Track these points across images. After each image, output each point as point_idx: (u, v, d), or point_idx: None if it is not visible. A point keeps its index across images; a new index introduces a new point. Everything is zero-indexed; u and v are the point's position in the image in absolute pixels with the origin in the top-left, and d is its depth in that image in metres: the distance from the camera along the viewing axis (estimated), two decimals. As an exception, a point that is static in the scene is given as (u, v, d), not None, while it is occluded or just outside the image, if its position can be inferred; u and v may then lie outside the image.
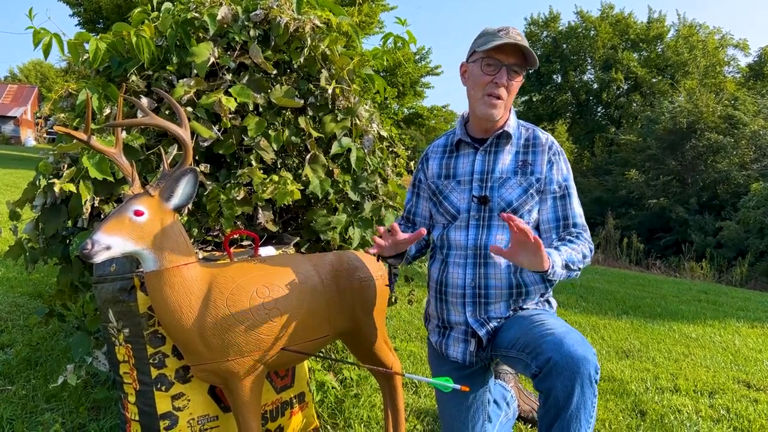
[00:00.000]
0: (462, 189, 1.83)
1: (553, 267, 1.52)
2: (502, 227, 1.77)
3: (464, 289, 1.78)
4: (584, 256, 1.68)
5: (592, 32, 29.64)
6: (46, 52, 2.13)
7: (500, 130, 1.80)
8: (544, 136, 1.82)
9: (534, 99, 32.08)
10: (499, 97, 1.74)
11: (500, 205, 1.76)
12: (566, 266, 1.59)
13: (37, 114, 36.80)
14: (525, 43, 1.70)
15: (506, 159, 1.80)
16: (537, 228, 1.80)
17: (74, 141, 2.06)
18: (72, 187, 1.93)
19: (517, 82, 1.75)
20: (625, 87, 28.93)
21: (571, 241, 1.69)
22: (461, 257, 1.80)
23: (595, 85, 30.08)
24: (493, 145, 1.82)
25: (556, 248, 1.62)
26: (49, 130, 2.24)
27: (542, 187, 1.78)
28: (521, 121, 1.88)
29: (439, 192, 1.89)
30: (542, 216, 1.79)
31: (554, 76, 31.49)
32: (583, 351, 1.44)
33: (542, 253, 1.45)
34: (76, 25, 20.37)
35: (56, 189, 1.93)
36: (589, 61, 30.27)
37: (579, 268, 1.65)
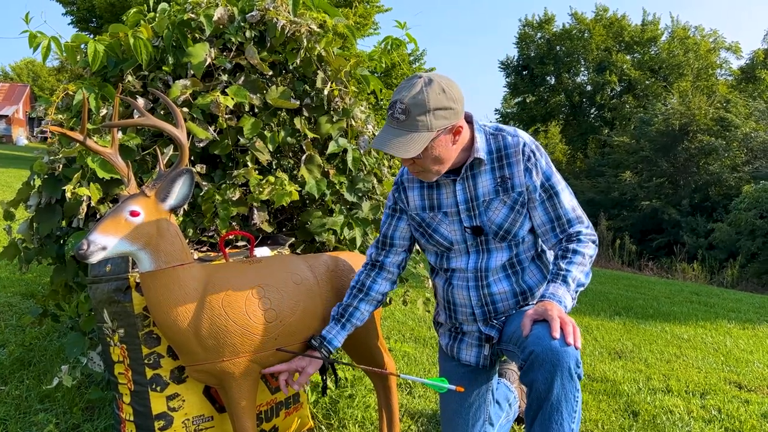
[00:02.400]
0: (451, 221, 1.79)
1: (566, 310, 1.53)
2: (501, 249, 1.76)
3: (472, 308, 1.79)
4: (591, 258, 1.67)
5: (586, 34, 29.77)
6: (45, 55, 2.13)
7: (471, 158, 1.71)
8: (514, 140, 1.72)
9: (528, 100, 32.20)
10: (419, 171, 1.67)
11: (492, 229, 1.74)
12: (576, 290, 1.61)
13: (30, 114, 36.59)
14: (398, 144, 1.55)
15: (485, 180, 1.74)
16: (531, 232, 1.79)
17: (71, 142, 2.06)
18: (85, 191, 1.93)
19: (427, 154, 1.61)
20: (619, 89, 29.09)
21: (575, 252, 1.65)
22: (463, 279, 1.79)
23: (589, 87, 30.23)
24: (468, 170, 1.74)
25: (564, 277, 1.59)
26: (43, 129, 2.24)
27: (528, 197, 1.73)
28: (488, 128, 1.77)
29: (426, 225, 1.83)
30: (536, 221, 1.76)
31: (548, 78, 31.63)
32: (564, 343, 1.44)
33: (548, 314, 1.46)
34: (69, 24, 20.32)
35: (68, 195, 1.92)
36: (583, 63, 30.43)
37: (589, 279, 1.66)
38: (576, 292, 1.61)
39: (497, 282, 1.76)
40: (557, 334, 1.42)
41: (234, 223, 2.23)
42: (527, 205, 1.74)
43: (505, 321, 1.78)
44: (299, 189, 2.26)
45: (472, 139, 1.72)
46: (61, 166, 2.10)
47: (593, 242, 1.71)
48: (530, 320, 1.49)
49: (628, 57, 28.97)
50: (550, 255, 1.87)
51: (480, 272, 1.76)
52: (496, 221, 1.73)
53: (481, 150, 1.71)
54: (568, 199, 1.75)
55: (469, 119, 1.74)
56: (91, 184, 1.97)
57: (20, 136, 35.62)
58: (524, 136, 1.75)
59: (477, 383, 1.86)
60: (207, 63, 2.23)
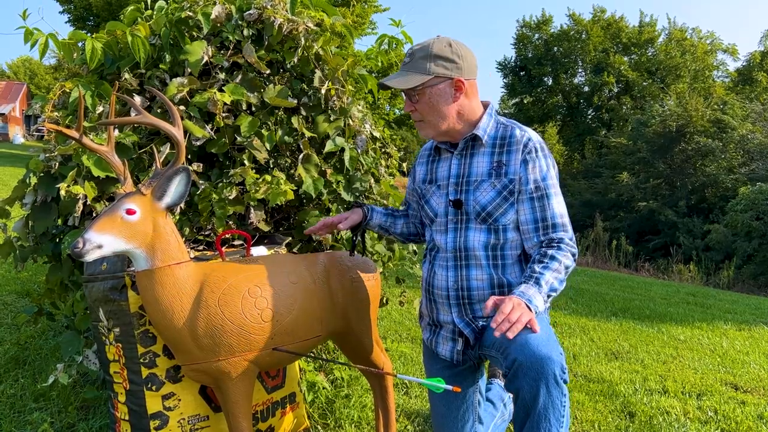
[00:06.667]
0: (440, 193, 1.85)
1: (536, 311, 1.50)
2: (479, 230, 1.77)
3: (448, 291, 1.80)
4: (567, 269, 1.65)
5: (584, 35, 29.81)
6: (43, 52, 2.12)
7: (470, 134, 1.79)
8: (521, 134, 1.76)
9: (525, 101, 32.24)
10: (418, 120, 1.79)
11: (475, 209, 1.76)
12: (549, 294, 1.58)
13: (26, 112, 36.51)
14: (399, 79, 1.72)
15: (481, 161, 1.78)
16: (517, 229, 1.77)
17: (67, 139, 2.05)
18: (80, 189, 1.92)
19: (424, 98, 1.74)
20: (616, 90, 29.14)
21: (553, 258, 1.63)
22: (444, 259, 1.82)
23: (586, 88, 30.27)
24: (468, 148, 1.81)
25: (537, 279, 1.57)
26: (40, 127, 2.23)
27: (517, 188, 1.73)
28: (501, 119, 1.83)
29: (422, 196, 1.93)
30: (521, 217, 1.75)
31: (545, 79, 31.66)
32: (547, 351, 1.43)
33: (502, 305, 1.43)
34: (66, 23, 20.28)
35: (62, 193, 1.91)
36: (580, 64, 30.47)
37: (563, 286, 1.64)
38: (548, 296, 1.58)
39: (477, 267, 1.76)
40: (496, 325, 1.39)
41: (231, 222, 2.22)
42: (516, 197, 1.74)
43: (483, 325, 1.76)
44: (296, 188, 2.26)
45: (480, 118, 1.81)
46: (57, 164, 2.09)
47: (573, 254, 1.69)
48: (492, 302, 1.47)
49: (625, 58, 29.01)
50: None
51: (459, 251, 1.78)
52: (481, 202, 1.76)
53: (482, 129, 1.79)
54: (558, 205, 1.74)
55: (485, 104, 1.84)
56: (86, 182, 1.97)
57: (17, 134, 35.48)
58: (533, 135, 1.79)
59: (463, 386, 1.86)
60: (204, 61, 2.22)
